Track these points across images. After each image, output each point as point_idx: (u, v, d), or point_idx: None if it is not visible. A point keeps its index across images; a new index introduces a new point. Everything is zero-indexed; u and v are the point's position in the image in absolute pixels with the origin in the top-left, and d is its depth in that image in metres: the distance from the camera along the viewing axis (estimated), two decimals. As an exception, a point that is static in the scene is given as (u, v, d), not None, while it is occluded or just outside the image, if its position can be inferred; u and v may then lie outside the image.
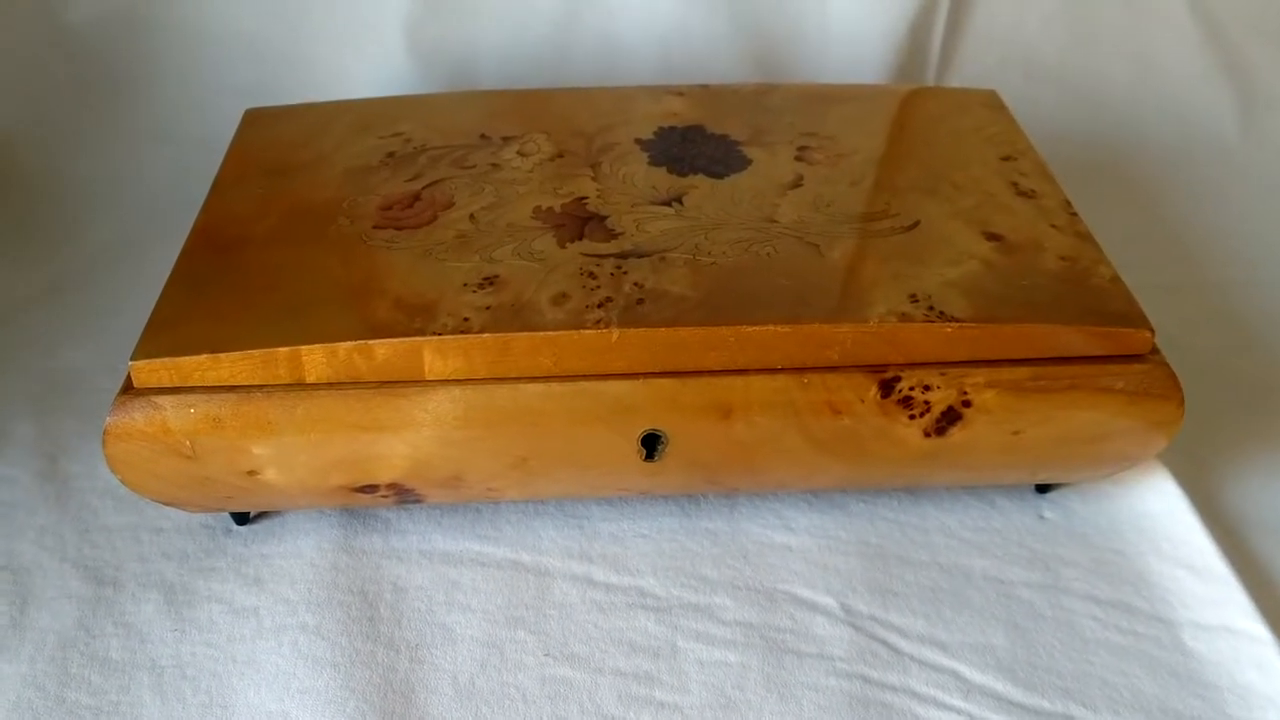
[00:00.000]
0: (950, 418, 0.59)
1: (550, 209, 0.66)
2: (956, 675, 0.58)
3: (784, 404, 0.58)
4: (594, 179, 0.69)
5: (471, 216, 0.65)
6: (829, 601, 0.62)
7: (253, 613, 0.61)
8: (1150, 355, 0.59)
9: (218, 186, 0.69)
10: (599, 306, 0.58)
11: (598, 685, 0.58)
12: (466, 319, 0.57)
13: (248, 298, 0.59)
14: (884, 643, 0.60)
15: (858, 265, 0.61)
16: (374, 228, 0.64)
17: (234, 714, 0.56)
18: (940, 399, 0.58)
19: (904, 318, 0.57)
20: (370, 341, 0.56)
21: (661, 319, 0.57)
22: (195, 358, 0.56)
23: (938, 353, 0.58)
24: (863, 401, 0.58)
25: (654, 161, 0.71)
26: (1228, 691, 0.58)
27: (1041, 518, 0.67)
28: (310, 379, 0.56)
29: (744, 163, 0.71)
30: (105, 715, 0.56)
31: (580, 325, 0.56)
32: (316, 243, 0.63)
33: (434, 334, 0.56)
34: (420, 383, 0.57)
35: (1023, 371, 0.58)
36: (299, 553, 0.65)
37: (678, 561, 0.64)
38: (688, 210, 0.66)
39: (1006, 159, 0.72)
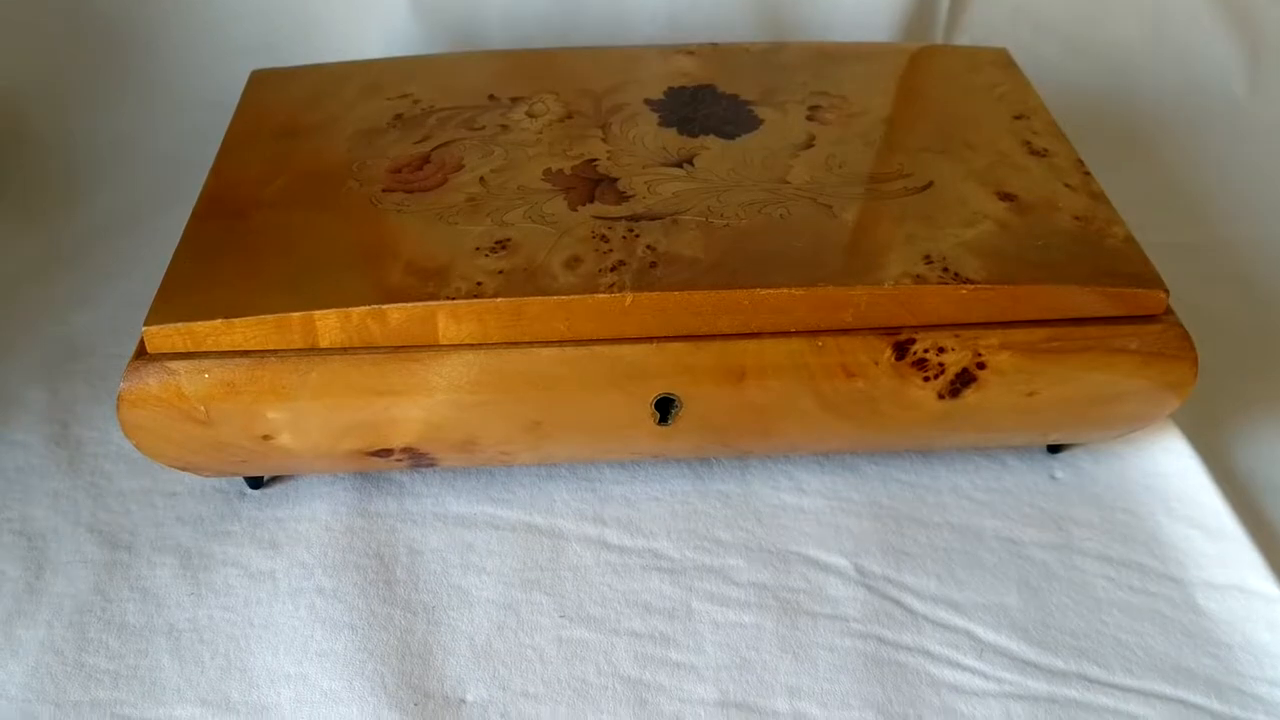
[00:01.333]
0: (964, 379, 0.59)
1: (560, 171, 0.65)
2: (970, 635, 0.59)
3: (798, 367, 0.58)
4: (604, 140, 0.68)
5: (481, 179, 0.64)
6: (842, 562, 0.62)
7: (269, 576, 0.62)
8: (1164, 315, 0.59)
9: (225, 149, 0.69)
10: (612, 270, 0.57)
11: (614, 646, 0.58)
12: (480, 283, 0.56)
13: (259, 262, 0.59)
14: (897, 603, 0.60)
15: (871, 226, 0.61)
16: (384, 191, 0.64)
17: (252, 677, 0.57)
18: (955, 361, 0.58)
19: (918, 279, 0.57)
20: (384, 306, 0.56)
21: (675, 282, 0.57)
22: (209, 323, 0.56)
23: (952, 314, 0.58)
24: (877, 364, 0.58)
25: (664, 122, 0.70)
26: (1240, 650, 0.58)
27: (1053, 478, 0.67)
28: (324, 344, 0.56)
29: (755, 123, 0.70)
30: (124, 679, 0.57)
31: (594, 289, 0.56)
32: (327, 206, 0.63)
33: (447, 298, 0.56)
34: (434, 347, 0.56)
35: (1037, 333, 0.58)
36: (314, 516, 0.65)
37: (690, 524, 0.65)
38: (699, 172, 0.65)
39: (1018, 118, 0.71)
